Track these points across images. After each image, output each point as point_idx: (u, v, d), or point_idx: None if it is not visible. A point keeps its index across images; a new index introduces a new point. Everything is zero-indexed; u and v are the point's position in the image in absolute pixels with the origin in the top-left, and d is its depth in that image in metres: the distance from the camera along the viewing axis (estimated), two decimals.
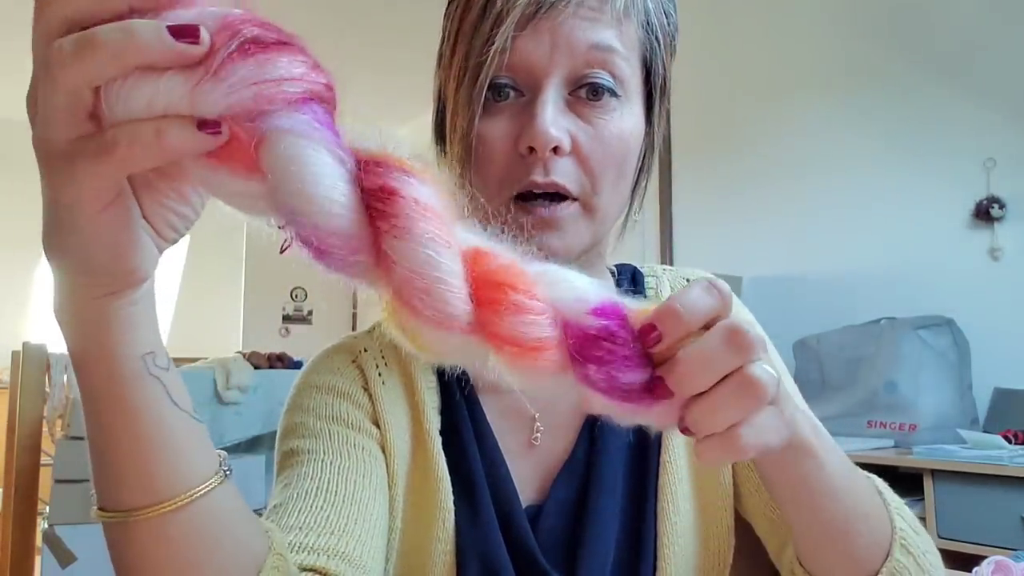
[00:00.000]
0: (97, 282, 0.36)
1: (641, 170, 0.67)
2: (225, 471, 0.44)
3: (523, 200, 0.59)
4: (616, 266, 0.75)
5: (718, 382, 0.35)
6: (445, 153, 0.65)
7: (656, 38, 0.63)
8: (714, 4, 3.12)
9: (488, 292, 0.34)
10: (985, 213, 2.23)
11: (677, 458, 0.66)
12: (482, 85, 0.58)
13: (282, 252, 0.34)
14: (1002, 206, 2.21)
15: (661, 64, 0.64)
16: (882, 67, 2.54)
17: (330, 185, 0.32)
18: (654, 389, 0.35)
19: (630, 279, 0.75)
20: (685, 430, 0.36)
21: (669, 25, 0.65)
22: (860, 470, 0.56)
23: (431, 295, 0.33)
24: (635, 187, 0.67)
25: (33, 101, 0.33)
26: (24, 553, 2.48)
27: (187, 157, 0.32)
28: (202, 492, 0.42)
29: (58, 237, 0.35)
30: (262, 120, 0.31)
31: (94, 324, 0.38)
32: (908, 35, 2.49)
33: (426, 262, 0.33)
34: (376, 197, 0.33)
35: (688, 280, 0.75)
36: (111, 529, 0.42)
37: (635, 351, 0.35)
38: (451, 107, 0.62)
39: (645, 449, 0.66)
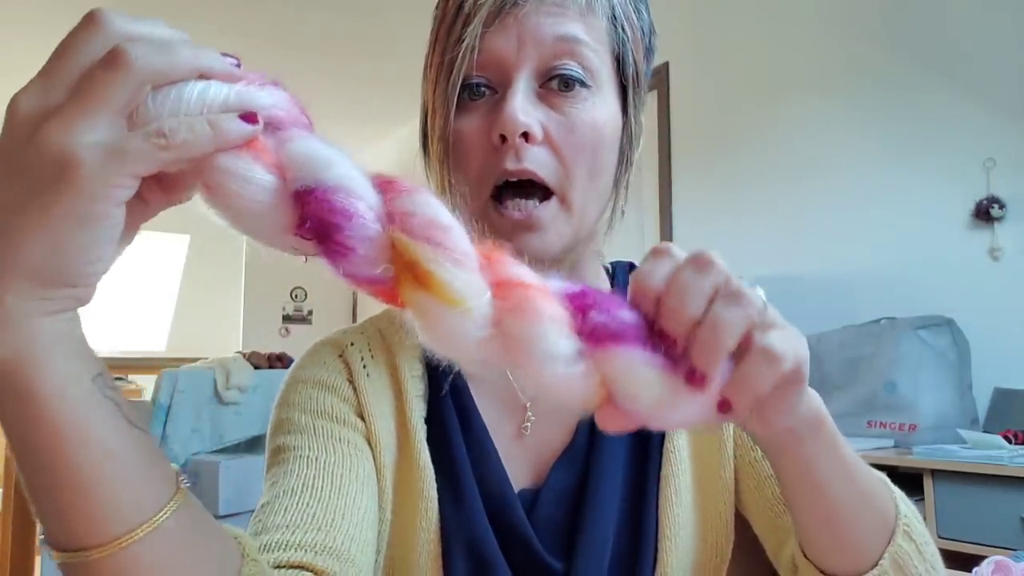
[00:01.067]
0: (59, 293, 0.34)
1: (621, 163, 0.67)
2: (184, 483, 0.41)
3: (500, 200, 0.60)
4: (612, 263, 0.75)
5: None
6: (429, 157, 0.66)
7: (623, 30, 0.64)
8: (714, 4, 3.12)
9: (490, 254, 0.38)
10: (985, 213, 2.23)
11: (680, 448, 0.66)
12: (455, 82, 0.60)
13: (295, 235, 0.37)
14: (1002, 206, 2.21)
15: (632, 57, 0.65)
16: (881, 67, 2.54)
17: (346, 162, 0.37)
18: (660, 333, 0.37)
19: (626, 275, 0.75)
20: (699, 379, 0.36)
21: (640, 22, 0.66)
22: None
23: (449, 233, 0.36)
24: (617, 180, 0.67)
25: (39, 102, 0.33)
26: (24, 553, 2.48)
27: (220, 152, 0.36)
28: (167, 515, 0.39)
29: (44, 236, 0.32)
30: (285, 130, 0.38)
31: (46, 346, 0.34)
32: (907, 35, 2.49)
33: (440, 209, 0.37)
34: (384, 180, 0.38)
35: None
36: (71, 569, 0.38)
37: (619, 298, 0.38)
38: (430, 109, 0.64)
39: (647, 438, 0.66)
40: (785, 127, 2.83)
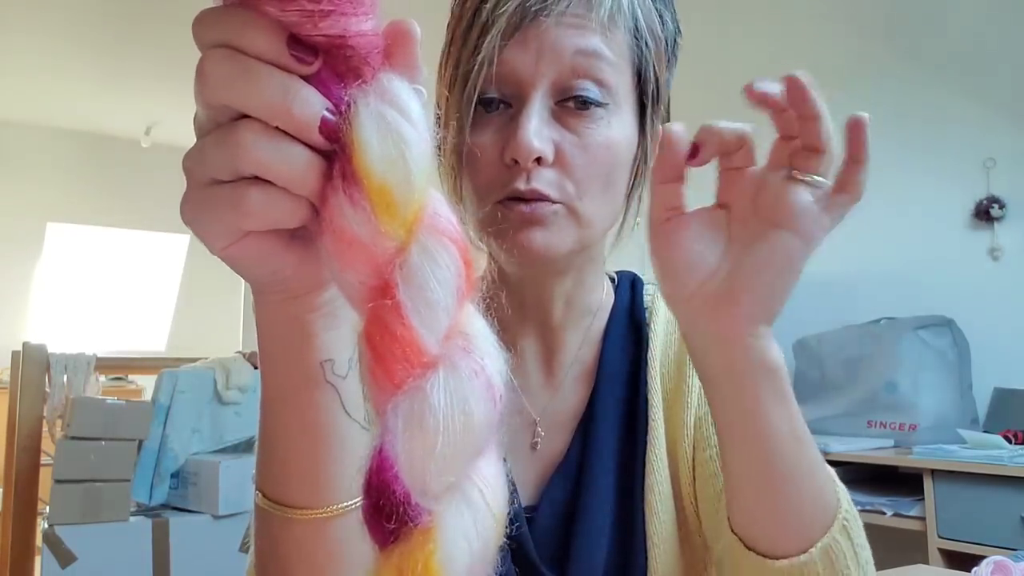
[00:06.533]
0: (272, 291, 0.37)
1: (635, 178, 0.66)
2: None
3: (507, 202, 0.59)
4: (616, 273, 0.75)
5: None
6: (439, 163, 0.65)
7: (646, 44, 0.62)
8: (713, 4, 3.12)
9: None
10: (985, 213, 2.23)
11: (660, 458, 0.66)
12: (470, 96, 0.58)
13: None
14: (1002, 206, 2.21)
15: (653, 71, 0.63)
16: (882, 67, 2.54)
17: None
18: None
19: (629, 287, 0.75)
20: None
21: (664, 31, 0.64)
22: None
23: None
24: (630, 194, 0.66)
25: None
26: (24, 553, 2.48)
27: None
28: (353, 506, 0.42)
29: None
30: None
31: (277, 328, 0.39)
32: (908, 35, 2.49)
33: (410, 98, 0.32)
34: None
35: None
36: (266, 516, 0.43)
37: None
38: (443, 118, 0.62)
39: (633, 448, 0.66)
40: None
